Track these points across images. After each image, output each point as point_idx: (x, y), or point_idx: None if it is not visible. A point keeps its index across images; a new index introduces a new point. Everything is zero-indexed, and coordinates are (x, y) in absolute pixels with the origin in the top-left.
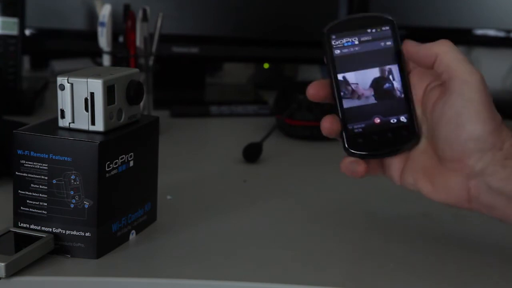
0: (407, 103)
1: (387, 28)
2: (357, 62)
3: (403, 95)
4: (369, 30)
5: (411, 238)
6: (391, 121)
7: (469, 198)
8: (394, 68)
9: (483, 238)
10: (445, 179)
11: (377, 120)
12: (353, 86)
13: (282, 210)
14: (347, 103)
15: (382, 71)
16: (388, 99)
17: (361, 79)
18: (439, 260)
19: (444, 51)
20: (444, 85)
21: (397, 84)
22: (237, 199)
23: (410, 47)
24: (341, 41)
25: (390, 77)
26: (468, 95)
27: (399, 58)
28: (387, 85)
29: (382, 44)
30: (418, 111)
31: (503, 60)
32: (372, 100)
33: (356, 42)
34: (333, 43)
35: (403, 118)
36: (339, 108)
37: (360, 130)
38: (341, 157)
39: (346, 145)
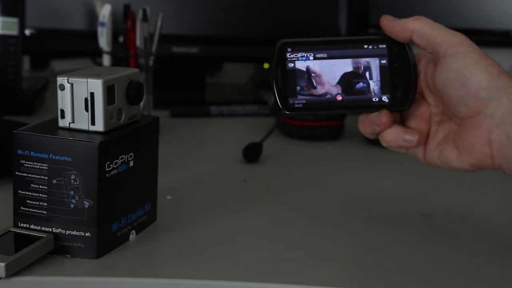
0: (371, 42)
1: (290, 49)
2: (319, 85)
3: (362, 43)
4: (288, 65)
5: (411, 238)
6: (385, 62)
7: (491, 153)
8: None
9: (483, 238)
10: (466, 138)
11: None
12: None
13: (282, 210)
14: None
15: (330, 64)
16: (362, 60)
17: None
18: (439, 260)
19: (419, 26)
20: (433, 57)
21: (350, 51)
22: (237, 199)
23: (386, 21)
24: (294, 101)
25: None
26: (461, 51)
27: (322, 45)
28: (347, 61)
29: (305, 57)
30: (429, 97)
31: (503, 60)
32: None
33: (298, 82)
34: (295, 105)
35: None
36: (367, 109)
37: (389, 92)
38: (340, 158)
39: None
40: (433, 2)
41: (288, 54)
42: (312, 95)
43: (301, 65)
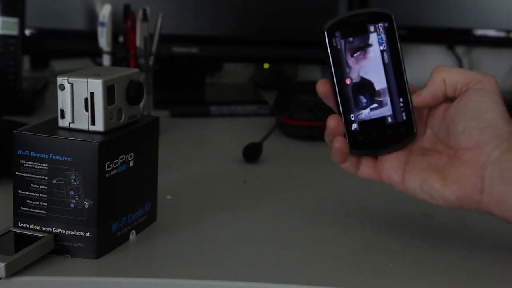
0: (405, 100)
1: (386, 24)
2: (356, 60)
3: (401, 93)
4: (368, 27)
5: (411, 238)
6: (390, 119)
7: (482, 188)
8: (392, 65)
9: (483, 238)
10: (458, 170)
11: (377, 118)
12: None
13: (282, 210)
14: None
15: (380, 69)
16: (386, 96)
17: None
18: (439, 260)
19: (447, 73)
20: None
21: (394, 82)
22: (237, 199)
23: (417, 98)
24: (340, 39)
25: (388, 74)
26: (486, 88)
27: (396, 54)
28: (384, 84)
29: (381, 41)
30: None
31: (503, 60)
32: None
33: (355, 40)
34: (332, 42)
35: (401, 116)
36: (340, 107)
37: (360, 128)
38: None
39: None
40: (433, 2)
41: (380, 25)
42: (345, 53)
43: (373, 39)
